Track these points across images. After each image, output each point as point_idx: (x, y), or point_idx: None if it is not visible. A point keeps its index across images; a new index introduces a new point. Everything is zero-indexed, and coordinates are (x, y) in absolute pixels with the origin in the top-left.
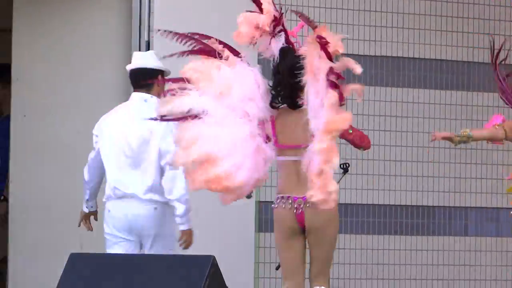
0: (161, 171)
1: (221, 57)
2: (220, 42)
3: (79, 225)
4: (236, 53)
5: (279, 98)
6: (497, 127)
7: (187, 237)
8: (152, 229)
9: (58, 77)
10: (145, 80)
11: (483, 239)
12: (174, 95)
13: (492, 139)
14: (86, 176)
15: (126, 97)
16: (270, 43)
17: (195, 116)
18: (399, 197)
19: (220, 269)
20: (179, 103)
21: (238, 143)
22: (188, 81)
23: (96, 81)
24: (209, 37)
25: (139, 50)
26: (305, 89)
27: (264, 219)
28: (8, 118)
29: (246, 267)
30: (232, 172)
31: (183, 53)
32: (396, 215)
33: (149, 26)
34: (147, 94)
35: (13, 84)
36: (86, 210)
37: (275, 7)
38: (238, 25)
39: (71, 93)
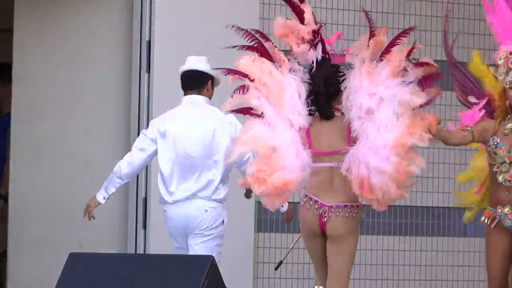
0: (226, 170)
1: (272, 60)
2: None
3: (88, 215)
4: (284, 58)
5: (313, 107)
6: (468, 129)
7: (290, 214)
8: (196, 228)
9: (59, 77)
10: (196, 82)
11: (482, 240)
12: (243, 91)
13: (459, 144)
14: (125, 170)
15: (127, 98)
16: (309, 53)
17: (256, 115)
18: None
19: (220, 269)
20: (243, 102)
21: (283, 147)
22: (247, 76)
23: (97, 82)
24: (268, 39)
25: (140, 51)
26: (347, 91)
27: (264, 219)
28: (7, 116)
29: (245, 267)
30: (281, 175)
31: (242, 46)
32: (395, 215)
33: (150, 27)
34: (199, 96)
35: (14, 84)
36: (103, 202)
37: (314, 18)
38: (275, 29)
39: (72, 93)
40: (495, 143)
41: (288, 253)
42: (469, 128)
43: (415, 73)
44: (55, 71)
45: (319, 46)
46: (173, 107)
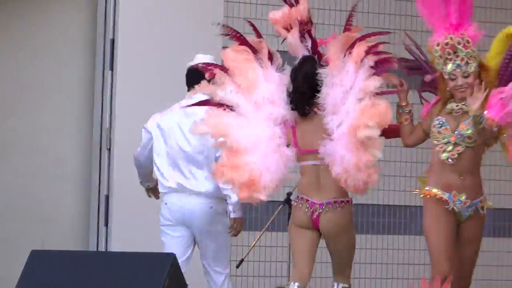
0: None
1: (256, 53)
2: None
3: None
4: (270, 56)
5: (293, 104)
6: (418, 124)
7: (237, 225)
8: (204, 226)
9: (23, 75)
10: (198, 79)
11: None
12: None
13: (416, 142)
14: (135, 162)
15: (91, 95)
16: (298, 43)
17: (227, 106)
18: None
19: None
20: (213, 93)
21: (261, 141)
22: (226, 70)
23: (62, 79)
24: (260, 36)
25: (104, 49)
26: (324, 85)
27: None
28: None
29: None
30: (254, 166)
31: (227, 34)
32: (357, 214)
33: (114, 25)
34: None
35: None
36: (145, 187)
37: (308, 13)
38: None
39: (36, 90)
40: (440, 123)
41: (249, 251)
42: (419, 123)
43: (370, 60)
44: (20, 69)
45: (309, 43)
46: (136, 105)
